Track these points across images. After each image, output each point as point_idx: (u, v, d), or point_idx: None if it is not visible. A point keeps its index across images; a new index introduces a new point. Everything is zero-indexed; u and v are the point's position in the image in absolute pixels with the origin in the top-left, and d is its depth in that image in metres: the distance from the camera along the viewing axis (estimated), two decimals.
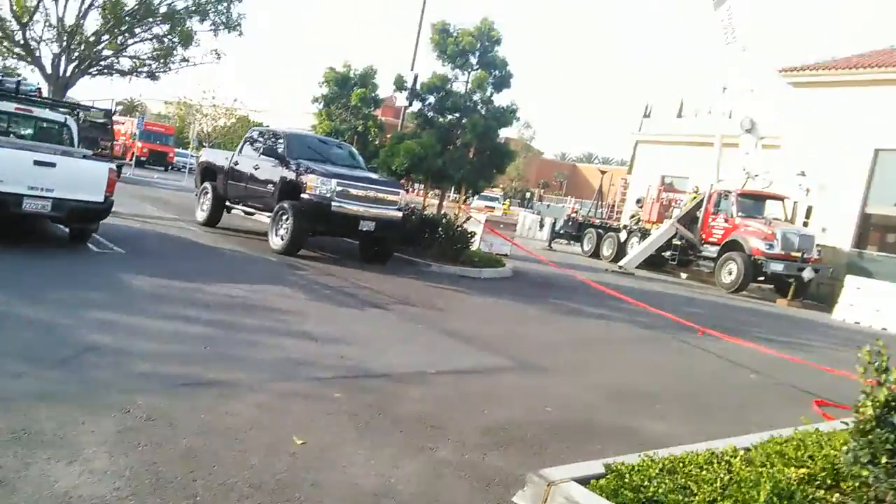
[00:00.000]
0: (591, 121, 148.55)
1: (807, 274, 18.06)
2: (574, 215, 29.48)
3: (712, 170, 22.48)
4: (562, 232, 28.58)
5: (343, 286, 9.51)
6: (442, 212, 14.82)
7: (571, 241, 28.01)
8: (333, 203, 10.96)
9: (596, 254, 24.87)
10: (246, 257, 10.85)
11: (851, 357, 10.06)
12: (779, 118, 25.04)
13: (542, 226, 33.26)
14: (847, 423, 4.13)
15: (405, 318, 8.00)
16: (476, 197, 43.39)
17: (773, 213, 20.33)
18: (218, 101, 55.40)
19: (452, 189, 19.75)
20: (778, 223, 19.37)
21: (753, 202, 20.54)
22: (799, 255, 18.29)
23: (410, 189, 17.75)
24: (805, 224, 20.03)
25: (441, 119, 14.34)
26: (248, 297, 7.57)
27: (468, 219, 14.76)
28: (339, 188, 11.01)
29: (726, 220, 20.21)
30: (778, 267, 18.25)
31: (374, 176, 12.50)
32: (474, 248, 16.65)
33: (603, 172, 32.87)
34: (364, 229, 11.45)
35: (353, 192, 11.28)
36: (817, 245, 19.30)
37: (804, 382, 7.44)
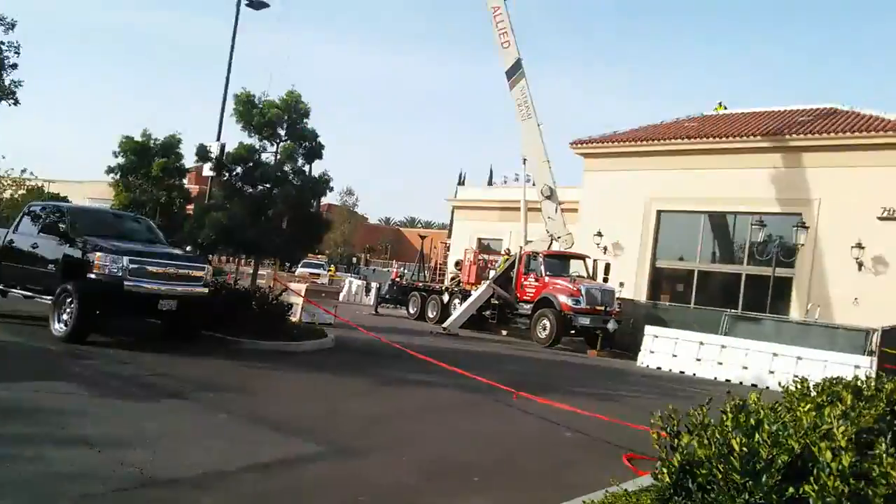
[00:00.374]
0: (412, 186, 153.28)
1: (611, 326, 19.44)
2: (398, 279, 29.63)
3: (521, 233, 23.88)
4: (388, 296, 28.55)
5: (137, 375, 8.46)
6: (256, 284, 14.06)
7: (398, 305, 28.04)
8: (126, 282, 9.90)
9: (422, 316, 25.06)
10: (20, 349, 9.39)
11: (659, 403, 10.71)
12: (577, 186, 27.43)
13: (368, 291, 33.05)
14: (655, 478, 4.19)
15: (207, 407, 7.22)
16: (300, 265, 42.53)
17: (576, 271, 21.84)
18: (3, 171, 49.52)
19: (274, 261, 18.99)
20: (582, 280, 20.81)
21: (559, 262, 21.97)
22: (602, 308, 19.72)
23: (230, 261, 16.76)
24: (605, 280, 21.70)
25: (251, 189, 13.79)
26: (13, 399, 6.42)
27: (283, 290, 14.12)
28: (132, 265, 9.98)
29: (536, 280, 21.36)
30: (585, 321, 19.51)
31: (174, 251, 11.54)
32: (295, 319, 15.97)
33: (423, 237, 33.54)
34: (164, 308, 10.46)
35: (150, 269, 10.30)
36: (617, 298, 20.95)
37: (617, 436, 7.68)
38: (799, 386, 5.65)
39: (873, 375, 13.76)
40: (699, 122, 27.00)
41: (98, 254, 9.90)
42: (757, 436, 3.19)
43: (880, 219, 20.39)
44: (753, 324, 18.00)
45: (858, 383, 5.74)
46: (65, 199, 23.32)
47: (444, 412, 8.46)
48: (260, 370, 9.91)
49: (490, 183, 47.66)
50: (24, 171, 52.57)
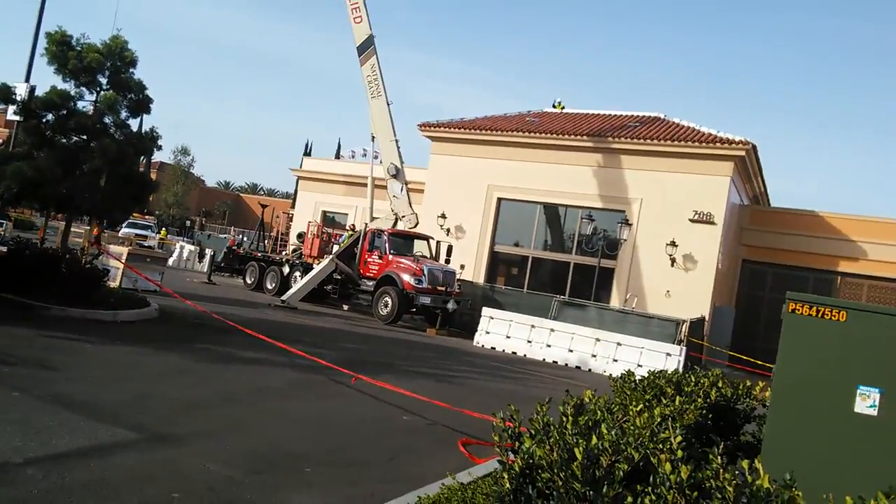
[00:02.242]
0: (257, 152, 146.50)
1: (450, 306, 19.78)
2: (235, 247, 28.11)
3: (367, 209, 23.62)
4: (223, 264, 27.02)
5: None
6: (68, 244, 12.57)
7: (234, 274, 26.64)
8: None
9: (259, 287, 24.03)
10: None
11: (494, 386, 10.94)
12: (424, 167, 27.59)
13: (202, 257, 31.10)
14: (495, 482, 4.13)
15: None
16: (125, 225, 39.13)
17: (420, 251, 21.98)
18: None
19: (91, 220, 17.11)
20: (425, 260, 20.95)
21: (403, 241, 21.97)
22: (443, 288, 19.99)
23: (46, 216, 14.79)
24: (447, 261, 22.04)
25: (64, 140, 12.18)
26: None
27: (99, 254, 12.73)
28: None
29: (380, 257, 21.21)
30: (426, 300, 19.69)
31: None
32: (114, 284, 14.56)
33: (264, 206, 32.10)
34: None
35: None
36: (458, 280, 21.36)
37: (452, 420, 7.69)
38: (626, 379, 5.93)
39: (682, 362, 15.21)
40: (539, 118, 28.16)
41: None
42: (595, 439, 3.18)
43: (691, 220, 22.47)
44: (579, 310, 19.10)
45: (679, 378, 6.12)
46: None
47: (275, 395, 8.00)
48: (67, 341, 8.85)
49: (338, 156, 46.85)
50: None
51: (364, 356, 12.48)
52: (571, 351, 16.71)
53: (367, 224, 22.62)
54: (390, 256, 20.98)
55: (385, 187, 22.89)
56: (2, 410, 5.54)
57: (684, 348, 15.96)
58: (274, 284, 23.57)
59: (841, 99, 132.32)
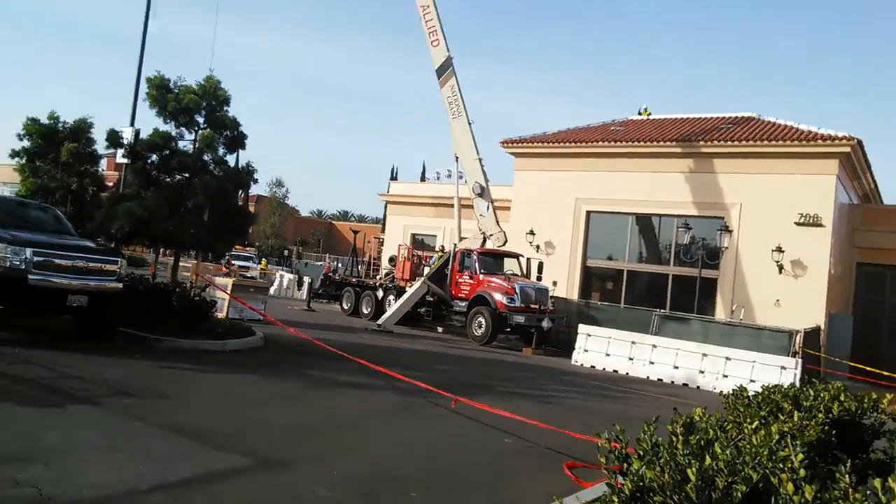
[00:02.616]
0: (345, 179, 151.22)
1: (545, 324, 19.48)
2: (331, 274, 29.00)
3: (455, 230, 23.75)
4: (321, 291, 27.92)
5: (44, 377, 7.76)
6: (178, 278, 13.32)
7: (331, 300, 27.44)
8: (31, 276, 9.09)
9: (356, 312, 24.62)
10: None
11: (595, 405, 10.65)
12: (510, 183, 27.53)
13: (300, 285, 32.23)
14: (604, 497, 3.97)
15: (119, 414, 6.63)
16: (227, 258, 41.14)
17: (511, 269, 21.83)
18: None
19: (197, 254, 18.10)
20: (516, 278, 20.80)
21: (493, 260, 21.92)
22: (537, 306, 19.75)
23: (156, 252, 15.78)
24: (539, 278, 21.77)
25: (168, 179, 12.96)
26: None
27: (206, 287, 13.40)
28: (36, 258, 9.17)
29: (471, 277, 21.23)
30: (520, 319, 19.51)
31: (84, 243, 10.72)
32: (221, 315, 15.27)
33: (356, 231, 32.95)
34: (75, 305, 9.69)
35: (58, 262, 9.50)
36: (551, 297, 21.05)
37: (556, 442, 7.52)
38: (739, 395, 5.59)
39: (798, 375, 14.31)
40: (625, 126, 27.51)
41: None
42: (709, 459, 3.00)
43: (797, 224, 21.21)
44: (682, 324, 18.37)
45: (796, 392, 5.72)
46: None
47: (378, 418, 8.10)
48: (180, 371, 9.30)
49: (423, 178, 47.53)
50: None
51: (461, 378, 12.46)
52: (677, 367, 16.05)
53: (455, 245, 22.71)
54: (481, 276, 20.96)
55: (472, 207, 22.95)
56: (126, 440, 5.87)
57: (800, 361, 15.00)
58: (369, 309, 24.06)
59: None
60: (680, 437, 3.48)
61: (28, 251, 9.15)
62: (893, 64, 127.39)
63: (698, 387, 15.47)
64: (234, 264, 24.83)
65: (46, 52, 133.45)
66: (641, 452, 3.40)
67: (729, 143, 22.78)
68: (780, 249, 21.10)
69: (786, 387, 6.20)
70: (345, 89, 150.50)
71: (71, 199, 15.60)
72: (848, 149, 21.04)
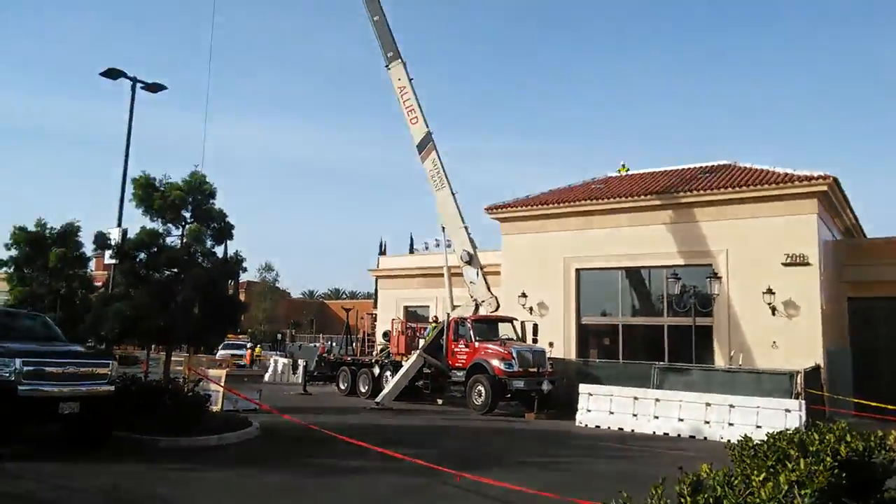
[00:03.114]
0: (333, 257, 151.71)
1: (545, 387, 19.27)
2: (325, 355, 28.73)
3: (447, 299, 23.72)
4: (316, 373, 27.56)
5: (33, 491, 7.54)
6: (170, 374, 13.16)
7: (328, 382, 27.07)
8: (21, 387, 8.98)
9: (353, 391, 24.26)
10: None
11: (603, 468, 10.43)
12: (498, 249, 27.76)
13: (295, 368, 31.83)
14: None
15: None
16: (221, 347, 40.78)
17: (506, 334, 21.73)
18: None
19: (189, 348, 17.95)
20: (512, 343, 20.68)
21: (488, 326, 21.80)
22: (535, 369, 19.57)
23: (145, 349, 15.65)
24: (535, 340, 21.64)
25: (157, 275, 13.00)
26: None
27: (199, 381, 13.23)
28: (26, 368, 9.08)
29: (467, 345, 21.08)
30: (520, 384, 19.29)
31: (74, 348, 10.66)
32: (216, 408, 15.05)
33: (347, 309, 32.86)
34: (66, 412, 9.53)
35: (49, 369, 9.42)
36: (549, 358, 20.89)
37: None
38: (745, 446, 5.52)
39: (803, 417, 14.15)
40: (605, 183, 28.05)
41: None
42: None
43: (784, 265, 21.41)
44: (683, 374, 18.23)
45: (802, 437, 5.65)
46: None
47: None
48: (177, 472, 9.08)
49: (411, 250, 47.77)
50: None
51: (465, 451, 12.22)
52: (681, 420, 15.82)
53: (448, 314, 22.65)
54: (477, 343, 20.82)
55: (462, 275, 23.02)
56: None
57: (803, 402, 14.87)
58: (367, 387, 23.73)
59: None
60: (688, 499, 3.43)
61: (17, 361, 9.07)
62: (863, 95, 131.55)
63: (705, 437, 15.22)
64: (227, 355, 24.59)
65: (29, 160, 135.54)
66: None
67: (708, 191, 23.23)
68: (770, 291, 21.22)
69: (791, 432, 6.14)
70: (326, 170, 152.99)
71: (60, 303, 15.61)
72: (825, 187, 21.48)
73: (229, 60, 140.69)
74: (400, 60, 23.96)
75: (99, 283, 18.90)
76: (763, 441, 5.68)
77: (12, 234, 15.56)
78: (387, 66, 24.33)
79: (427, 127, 23.66)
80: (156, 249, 13.20)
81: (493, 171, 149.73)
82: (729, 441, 6.98)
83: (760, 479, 3.71)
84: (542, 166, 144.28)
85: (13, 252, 15.67)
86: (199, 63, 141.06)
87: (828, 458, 5.05)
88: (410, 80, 23.92)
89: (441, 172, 23.23)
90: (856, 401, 19.00)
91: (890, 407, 16.08)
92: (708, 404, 15.65)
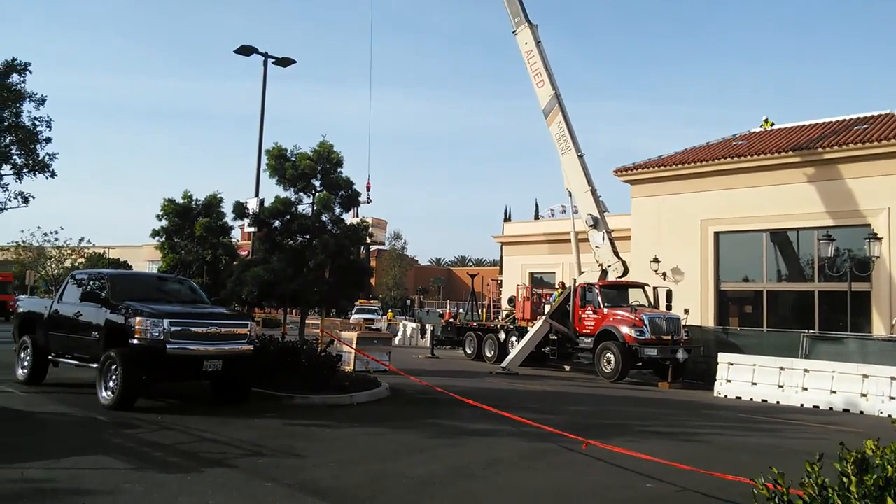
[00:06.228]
0: (461, 226, 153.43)
1: (680, 355, 18.37)
2: (452, 320, 29.10)
3: (574, 265, 23.13)
4: (443, 338, 28.05)
5: (182, 442, 8.08)
6: (304, 336, 13.74)
7: (454, 346, 27.46)
8: (169, 345, 9.65)
9: (479, 356, 24.46)
10: (67, 420, 9.20)
11: (745, 441, 9.75)
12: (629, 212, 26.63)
13: (423, 333, 32.58)
14: None
15: (252, 476, 6.73)
16: (354, 311, 42.58)
17: (636, 301, 20.86)
18: (62, 241, 51.69)
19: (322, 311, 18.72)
20: (643, 309, 19.82)
21: (617, 292, 21.06)
22: (669, 337, 18.66)
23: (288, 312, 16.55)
24: (668, 307, 20.63)
25: (291, 242, 13.54)
26: (48, 480, 6.06)
27: (331, 342, 13.72)
28: (174, 328, 9.73)
29: (595, 312, 20.47)
30: (652, 352, 18.50)
31: (217, 310, 11.33)
32: (349, 368, 15.61)
33: (472, 276, 32.99)
34: (210, 370, 10.16)
35: (194, 329, 10.05)
36: (684, 326, 19.84)
37: (704, 485, 6.84)
38: None
39: None
40: (747, 140, 25.96)
41: (139, 318, 9.69)
42: (890, 502, 2.49)
43: None
44: (836, 344, 16.70)
45: None
46: (125, 265, 23.85)
47: (507, 467, 7.75)
48: (310, 428, 9.43)
49: (536, 216, 47.17)
50: (81, 239, 54.77)
51: (593, 418, 11.85)
52: (834, 392, 14.51)
53: (575, 280, 22.10)
54: (605, 310, 20.18)
55: (589, 240, 22.33)
56: (257, 501, 5.90)
57: None
58: (493, 352, 23.79)
59: None
60: (853, 478, 2.96)
61: (166, 322, 9.73)
62: None
63: (861, 412, 13.86)
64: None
65: (184, 139, 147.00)
66: (807, 498, 2.92)
67: (867, 144, 20.87)
68: None
69: None
70: (453, 140, 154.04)
71: (206, 269, 16.70)
72: None
73: (349, 36, 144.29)
74: (527, 24, 23.41)
75: (245, 252, 20.09)
76: None
77: (162, 206, 16.78)
78: (514, 31, 23.93)
79: (553, 89, 23.00)
80: (289, 217, 13.73)
81: (625, 133, 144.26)
82: (890, 416, 6.16)
83: None
84: (679, 129, 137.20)
85: (164, 222, 16.92)
86: (316, 41, 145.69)
87: None
88: (538, 42, 23.35)
89: (567, 135, 22.55)
90: None
91: None
92: (865, 376, 14.22)
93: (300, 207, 13.67)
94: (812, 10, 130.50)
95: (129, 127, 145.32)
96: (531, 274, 33.66)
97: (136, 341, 9.57)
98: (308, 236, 13.37)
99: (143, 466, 6.83)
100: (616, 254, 21.55)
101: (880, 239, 19.78)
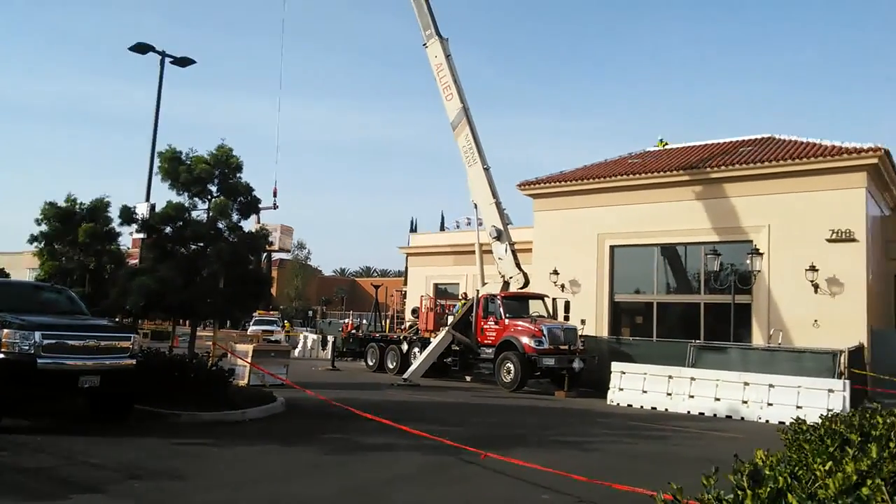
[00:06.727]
0: (367, 236, 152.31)
1: (576, 365, 18.87)
2: (354, 331, 28.63)
3: (477, 276, 23.37)
4: (345, 349, 27.55)
5: (52, 467, 7.40)
6: (194, 349, 13.04)
7: (356, 358, 27.01)
8: (40, 360, 8.85)
9: (381, 368, 24.17)
10: None
11: (637, 449, 10.00)
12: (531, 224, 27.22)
13: (325, 344, 31.89)
14: None
15: (125, 500, 6.21)
16: (252, 323, 41.10)
17: (536, 311, 21.29)
18: None
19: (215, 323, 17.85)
20: (543, 320, 20.25)
21: (518, 303, 21.42)
22: (566, 347, 19.13)
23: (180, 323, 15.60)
24: (566, 318, 21.18)
25: (183, 250, 12.83)
26: None
27: (224, 355, 13.08)
28: (46, 341, 8.94)
29: (497, 322, 20.72)
30: (550, 361, 18.88)
31: (97, 322, 10.51)
32: (243, 382, 14.99)
33: (376, 287, 32.71)
34: (86, 386, 9.38)
35: (70, 342, 9.27)
36: (580, 336, 20.41)
37: (599, 495, 6.93)
38: (798, 430, 5.03)
39: (848, 398, 13.51)
40: (642, 158, 27.22)
41: (5, 331, 8.83)
42: None
43: (829, 241, 20.54)
44: (720, 353, 17.62)
45: (861, 420, 5.14)
46: (2, 272, 21.87)
47: (405, 483, 7.56)
48: (196, 447, 8.89)
49: (442, 228, 47.45)
50: None
51: (493, 429, 11.88)
52: (718, 399, 15.27)
53: (478, 291, 22.31)
54: (506, 320, 20.45)
55: (493, 252, 22.61)
56: None
57: (847, 382, 14.18)
58: (395, 363, 23.59)
59: None
60: (748, 492, 3.00)
61: (37, 335, 8.93)
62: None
63: (742, 418, 14.67)
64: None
65: (71, 140, 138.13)
66: None
67: (749, 165, 22.31)
68: (813, 268, 20.39)
69: (847, 414, 5.65)
70: (363, 150, 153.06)
71: (89, 278, 15.57)
72: (875, 160, 20.49)
73: (259, 40, 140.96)
74: (437, 38, 23.59)
75: (134, 260, 18.96)
76: (818, 424, 5.20)
77: (42, 210, 15.53)
78: (424, 44, 24.07)
79: (462, 103, 23.24)
80: (181, 223, 13.03)
81: (530, 150, 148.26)
82: (768, 421, 6.50)
83: (826, 468, 3.24)
84: (583, 144, 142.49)
85: (43, 227, 15.65)
86: (223, 44, 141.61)
87: (892, 443, 4.56)
88: (448, 56, 23.58)
89: (474, 148, 22.82)
90: None
91: None
92: (746, 383, 15.06)
93: (195, 213, 13.00)
94: (706, 38, 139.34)
95: (25, 128, 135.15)
96: (436, 285, 33.74)
97: (2, 355, 8.71)
98: (202, 244, 12.72)
99: (4, 494, 6.17)
100: (518, 265, 21.93)
101: (761, 254, 21.14)
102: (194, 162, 12.93)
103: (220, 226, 13.15)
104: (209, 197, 13.18)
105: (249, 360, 15.30)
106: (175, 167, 12.78)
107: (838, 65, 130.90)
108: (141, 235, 13.90)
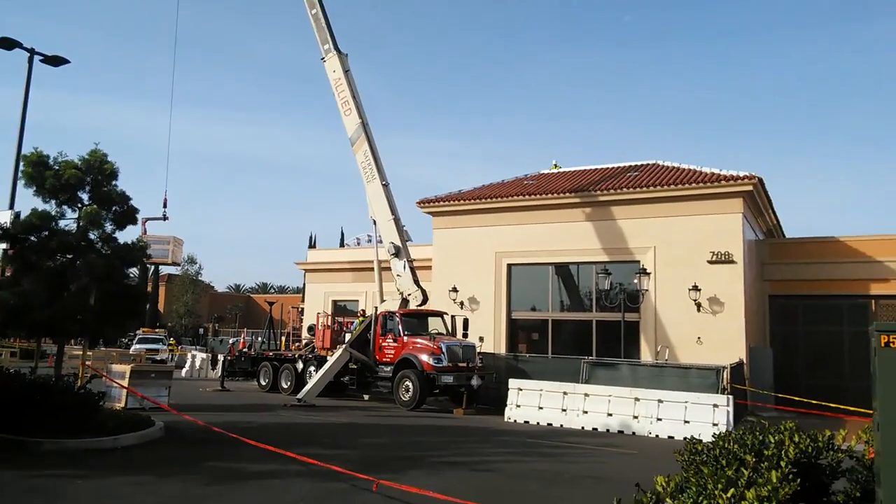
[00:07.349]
0: (264, 251, 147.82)
1: (475, 382, 18.80)
2: (245, 349, 27.34)
3: (376, 293, 22.96)
4: (236, 368, 26.21)
5: None
6: (61, 371, 11.86)
7: (248, 377, 25.75)
8: None
9: (275, 387, 23.12)
10: None
11: (532, 467, 9.86)
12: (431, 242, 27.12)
13: (214, 364, 30.28)
14: None
15: None
16: (136, 342, 38.59)
17: (435, 329, 21.10)
18: None
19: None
20: (441, 338, 20.06)
21: (417, 320, 21.16)
22: (465, 364, 19.05)
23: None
24: (465, 335, 21.12)
25: (49, 263, 11.64)
26: None
27: (94, 376, 11.97)
28: None
29: (395, 340, 20.36)
30: (448, 379, 18.70)
31: None
32: (120, 405, 13.84)
33: (271, 304, 31.53)
34: None
35: None
36: (479, 353, 20.39)
37: None
38: (693, 450, 5.00)
39: (731, 412, 14.09)
40: (537, 180, 27.86)
41: None
42: None
43: (710, 262, 21.62)
44: (611, 370, 18.02)
45: (753, 440, 5.17)
46: None
47: None
48: (59, 479, 7.97)
49: (342, 245, 46.61)
50: None
51: (387, 451, 11.47)
52: (610, 415, 15.57)
53: (377, 308, 21.89)
54: (405, 338, 20.12)
55: (391, 269, 22.28)
56: None
57: (731, 397, 14.82)
58: (289, 383, 22.67)
59: (826, 121, 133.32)
60: None
61: None
62: (774, 103, 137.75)
63: (633, 433, 15.01)
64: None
65: None
66: None
67: (635, 189, 23.23)
68: (696, 288, 21.36)
69: (740, 433, 5.71)
70: (261, 165, 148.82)
71: None
72: (750, 187, 21.78)
73: (154, 52, 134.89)
74: (335, 53, 23.29)
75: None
76: (712, 444, 5.19)
77: None
78: (322, 59, 23.71)
79: (360, 118, 22.94)
80: (47, 233, 11.84)
81: (437, 169, 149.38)
82: (670, 438, 6.58)
83: (728, 495, 3.14)
84: (484, 166, 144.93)
85: None
86: (106, 49, 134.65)
87: (783, 464, 4.59)
88: (346, 71, 23.26)
89: (373, 164, 22.52)
90: (777, 395, 19.30)
91: (813, 401, 16.33)
92: (637, 399, 15.45)
93: (63, 223, 11.84)
94: (598, 67, 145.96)
95: None
96: (334, 302, 32.92)
97: None
98: (70, 256, 11.58)
99: None
100: (417, 282, 21.69)
101: (648, 274, 21.98)
102: (63, 167, 11.82)
103: (92, 236, 12.06)
104: (79, 205, 12.08)
105: (126, 381, 14.13)
106: (41, 172, 11.62)
107: (714, 98, 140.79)
108: (2, 246, 12.55)
